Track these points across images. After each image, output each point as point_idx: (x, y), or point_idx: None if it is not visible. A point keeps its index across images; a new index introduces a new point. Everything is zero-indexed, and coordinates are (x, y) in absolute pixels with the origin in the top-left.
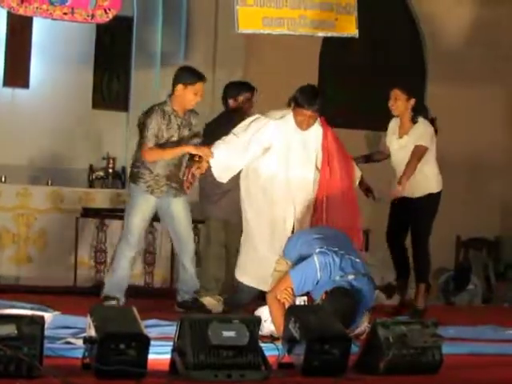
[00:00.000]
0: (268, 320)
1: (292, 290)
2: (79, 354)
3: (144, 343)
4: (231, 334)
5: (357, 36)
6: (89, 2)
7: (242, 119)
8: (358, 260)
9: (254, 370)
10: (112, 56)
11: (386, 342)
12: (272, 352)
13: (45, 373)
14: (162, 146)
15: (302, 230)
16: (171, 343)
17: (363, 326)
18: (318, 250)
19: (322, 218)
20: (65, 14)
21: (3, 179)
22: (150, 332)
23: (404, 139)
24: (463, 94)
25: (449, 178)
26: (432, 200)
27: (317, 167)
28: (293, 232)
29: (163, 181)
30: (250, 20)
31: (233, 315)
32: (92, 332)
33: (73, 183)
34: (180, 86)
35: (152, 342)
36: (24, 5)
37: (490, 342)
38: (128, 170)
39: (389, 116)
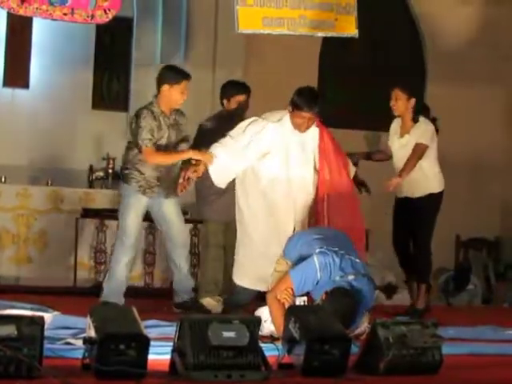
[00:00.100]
0: (268, 320)
1: (292, 290)
2: (79, 354)
3: (144, 344)
4: (231, 334)
5: (357, 36)
6: (89, 2)
7: (238, 121)
8: (357, 260)
9: (253, 371)
10: (112, 56)
11: (386, 343)
12: (272, 352)
13: (45, 373)
14: (158, 148)
15: (302, 231)
16: (171, 344)
17: (363, 326)
18: (318, 250)
19: (323, 219)
20: (65, 14)
21: (3, 179)
22: (150, 332)
23: (405, 138)
24: (463, 94)
25: (449, 178)
26: (433, 200)
27: (315, 168)
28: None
29: (154, 182)
30: (249, 20)
31: (233, 316)
32: (92, 332)
33: (73, 183)
34: (166, 87)
35: (152, 343)
36: (24, 5)
37: (490, 343)
38: None
39: (389, 116)
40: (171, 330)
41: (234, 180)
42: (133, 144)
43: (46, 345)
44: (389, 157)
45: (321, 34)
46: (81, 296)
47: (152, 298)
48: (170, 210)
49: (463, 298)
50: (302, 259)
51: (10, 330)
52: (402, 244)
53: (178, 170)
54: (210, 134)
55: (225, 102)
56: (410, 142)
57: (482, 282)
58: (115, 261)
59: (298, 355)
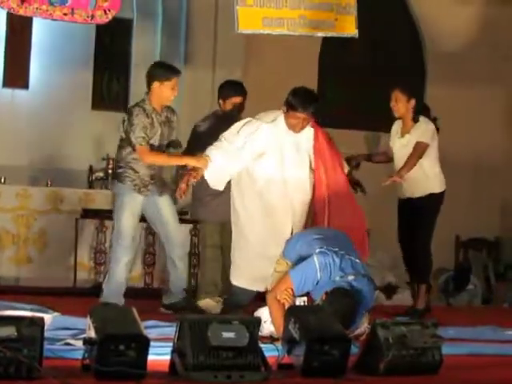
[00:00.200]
0: (268, 321)
1: (292, 290)
2: (79, 355)
3: (144, 344)
4: (231, 334)
5: (356, 36)
6: (88, 2)
7: (232, 122)
8: (357, 260)
9: (253, 371)
10: (112, 56)
11: (386, 343)
12: (272, 353)
13: (44, 374)
14: (151, 146)
15: (301, 231)
16: (171, 344)
17: (363, 326)
18: (317, 251)
19: (323, 219)
20: (65, 14)
21: (3, 180)
22: (150, 333)
23: (406, 138)
24: (463, 94)
25: (449, 178)
26: (433, 200)
27: (311, 168)
28: (291, 233)
29: (148, 180)
30: (249, 20)
31: (232, 316)
32: (92, 333)
33: (72, 184)
34: (156, 84)
35: (152, 343)
36: (24, 5)
37: (490, 343)
38: None
39: (389, 116)
40: (171, 330)
41: (229, 181)
42: (125, 142)
43: (46, 345)
44: (390, 159)
45: (321, 34)
46: (81, 297)
47: (152, 298)
48: (165, 208)
49: (463, 298)
50: (301, 259)
51: (9, 331)
52: (406, 244)
53: (172, 168)
54: (204, 135)
55: (220, 102)
56: (411, 142)
57: (481, 282)
58: (114, 261)
59: (298, 356)
